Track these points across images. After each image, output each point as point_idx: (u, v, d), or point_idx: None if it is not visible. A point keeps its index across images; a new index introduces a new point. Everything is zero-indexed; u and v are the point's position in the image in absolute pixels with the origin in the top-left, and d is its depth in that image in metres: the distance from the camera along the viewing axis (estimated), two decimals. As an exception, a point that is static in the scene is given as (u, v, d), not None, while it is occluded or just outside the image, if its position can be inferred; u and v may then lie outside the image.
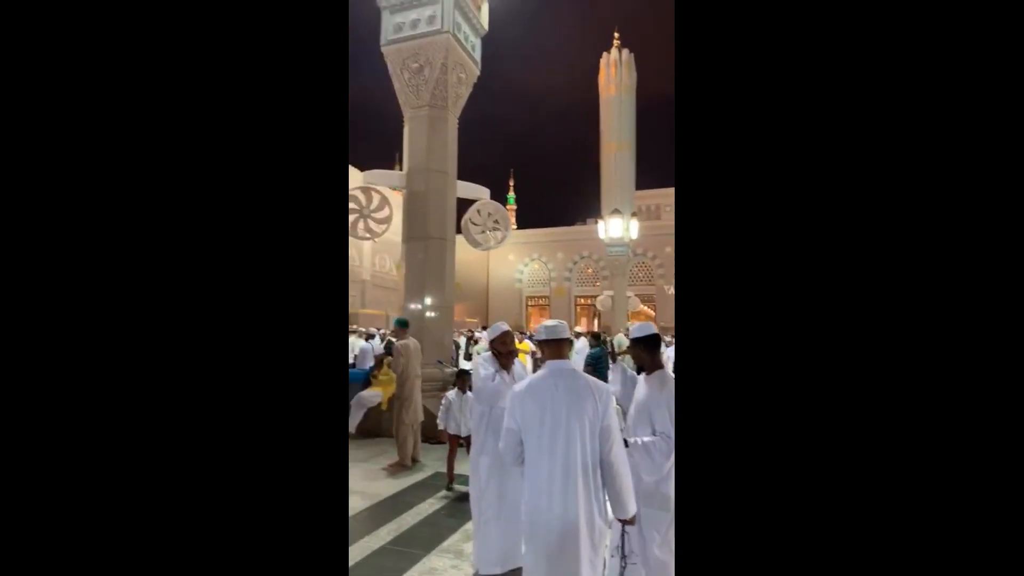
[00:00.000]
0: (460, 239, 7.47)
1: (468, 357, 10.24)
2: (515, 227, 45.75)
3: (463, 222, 7.81)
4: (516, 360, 2.88)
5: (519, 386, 1.86)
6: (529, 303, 29.89)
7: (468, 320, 23.87)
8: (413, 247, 6.66)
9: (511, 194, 54.33)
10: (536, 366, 10.22)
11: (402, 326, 5.19)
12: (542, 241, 29.62)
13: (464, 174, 7.24)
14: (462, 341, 10.83)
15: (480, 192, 7.77)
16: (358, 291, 26.35)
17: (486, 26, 7.34)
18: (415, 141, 6.67)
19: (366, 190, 6.78)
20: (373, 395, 6.01)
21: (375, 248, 26.91)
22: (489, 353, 2.83)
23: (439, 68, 6.58)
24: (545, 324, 1.99)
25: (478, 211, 7.84)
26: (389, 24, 6.74)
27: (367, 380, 6.27)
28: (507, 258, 29.21)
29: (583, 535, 1.69)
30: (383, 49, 6.74)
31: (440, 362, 6.45)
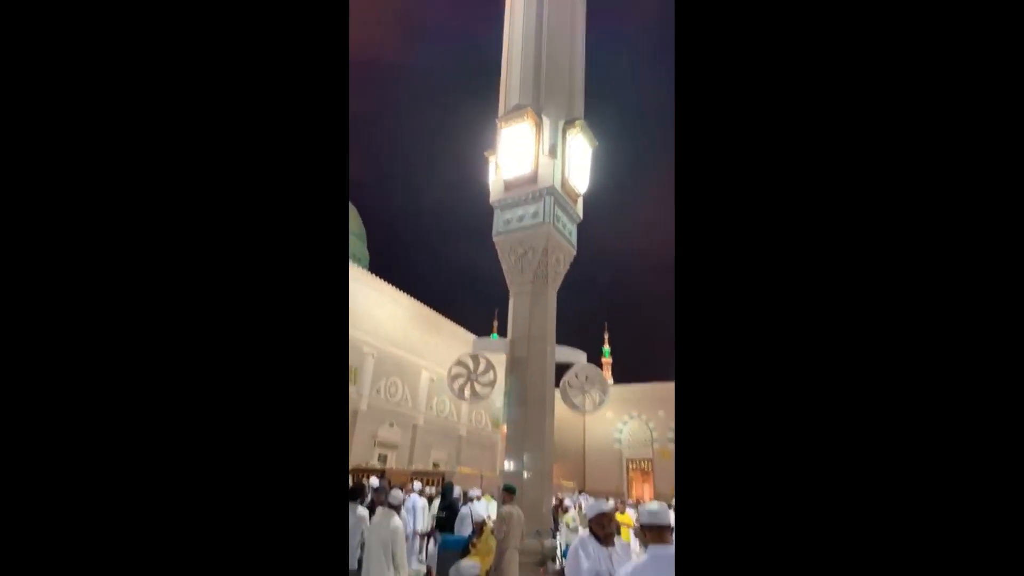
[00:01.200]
0: (559, 401, 7.75)
1: (556, 527, 9.70)
2: (612, 382, 44.51)
3: (561, 385, 8.15)
4: (618, 538, 2.92)
5: (623, 571, 1.99)
6: (630, 466, 27.79)
7: (564, 483, 22.58)
8: (514, 410, 7.03)
9: (606, 347, 54.07)
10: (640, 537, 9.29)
11: (509, 492, 5.30)
12: (641, 397, 28.52)
13: (561, 334, 7.80)
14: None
15: (577, 356, 8.20)
16: (454, 447, 26.41)
17: (581, 215, 8.48)
18: (518, 313, 7.46)
19: (474, 356, 7.50)
20: (471, 566, 5.91)
21: (472, 403, 27.37)
22: (588, 533, 2.91)
23: (541, 252, 7.59)
24: (648, 508, 2.16)
25: (575, 375, 8.17)
26: (500, 219, 8.06)
27: (466, 548, 6.23)
28: (604, 415, 28.21)
29: None
30: (494, 239, 7.99)
31: (539, 532, 6.29)
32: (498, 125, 8.06)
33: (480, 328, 28.43)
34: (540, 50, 8.38)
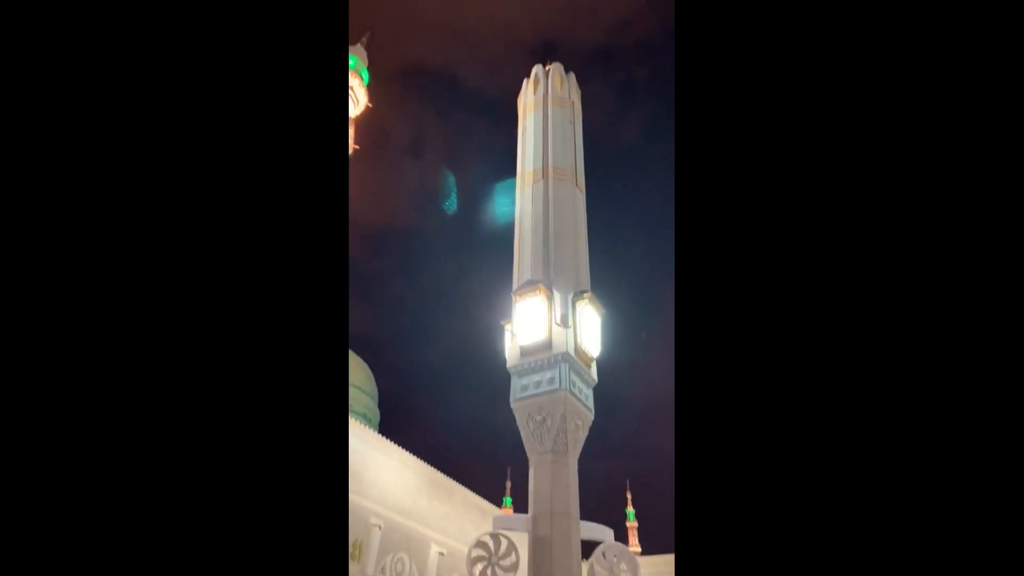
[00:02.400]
0: (587, 586, 7.10)
1: None
2: (639, 548, 40.08)
3: (588, 567, 7.54)
4: None
5: None
6: (671, 661, 23.72)
7: None
8: (540, 599, 6.44)
9: (630, 509, 49.17)
10: None
11: None
12: (673, 571, 25.39)
13: (582, 501, 7.43)
14: None
15: (603, 533, 7.72)
16: (466, 639, 22.98)
17: (596, 378, 8.70)
18: (539, 486, 7.26)
19: (495, 536, 7.10)
20: None
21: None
22: None
23: (559, 419, 7.65)
24: None
25: (603, 554, 7.60)
26: (517, 385, 8.28)
27: None
28: (635, 594, 24.88)
29: None
30: (512, 405, 8.11)
31: None
32: (513, 299, 8.74)
33: (492, 491, 26.75)
34: (548, 232, 9.43)
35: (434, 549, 22.97)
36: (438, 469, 25.09)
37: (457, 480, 25.96)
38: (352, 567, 18.02)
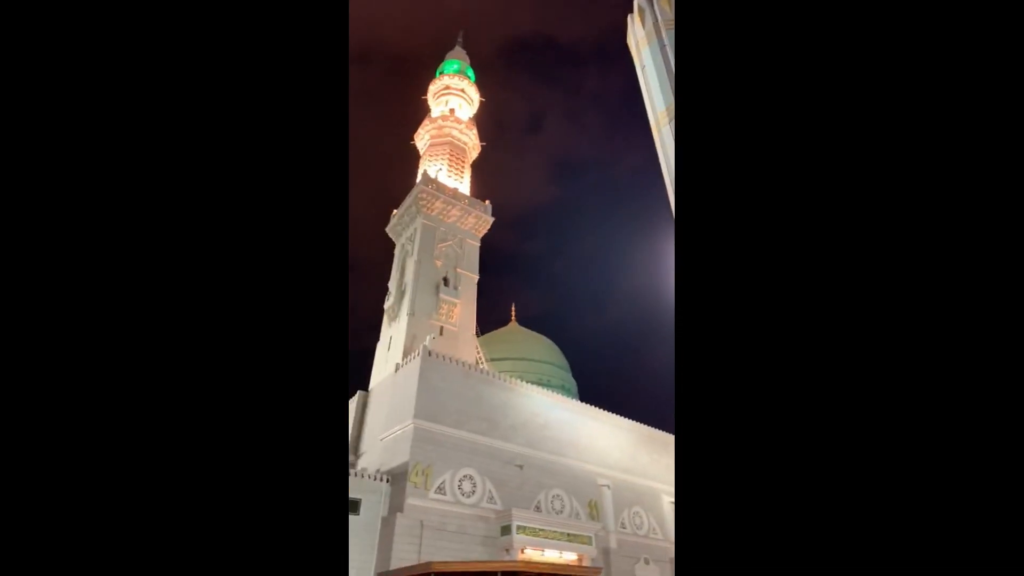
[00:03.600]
0: None
1: None
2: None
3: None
4: None
5: None
6: None
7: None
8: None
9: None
10: None
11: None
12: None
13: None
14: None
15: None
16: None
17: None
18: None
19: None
20: None
21: None
22: None
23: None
24: None
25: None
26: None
27: None
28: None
29: None
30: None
31: None
32: (682, 247, 8.41)
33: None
34: (700, 166, 8.81)
35: (666, 500, 23.35)
36: (647, 424, 25.29)
37: (670, 432, 25.84)
38: (593, 526, 19.30)
